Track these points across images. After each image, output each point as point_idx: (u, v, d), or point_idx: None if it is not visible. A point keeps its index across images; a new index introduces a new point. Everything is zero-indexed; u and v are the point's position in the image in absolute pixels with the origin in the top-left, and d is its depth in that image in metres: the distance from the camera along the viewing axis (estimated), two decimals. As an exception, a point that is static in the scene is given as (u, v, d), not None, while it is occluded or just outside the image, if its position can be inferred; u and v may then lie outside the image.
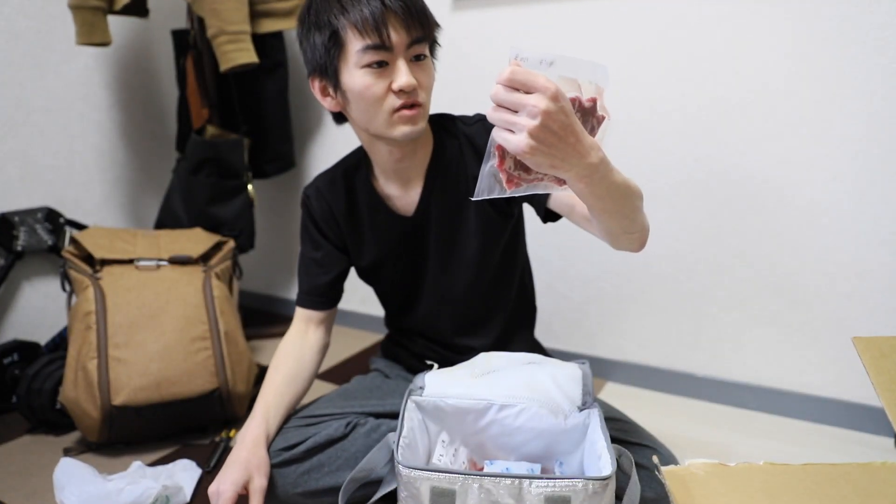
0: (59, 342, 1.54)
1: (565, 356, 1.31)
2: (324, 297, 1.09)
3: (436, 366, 0.98)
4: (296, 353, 1.07)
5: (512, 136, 0.60)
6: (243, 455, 0.90)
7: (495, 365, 0.95)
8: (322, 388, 1.55)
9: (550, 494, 0.70)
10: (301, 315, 1.10)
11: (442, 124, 1.03)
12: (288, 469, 0.94)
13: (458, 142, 1.01)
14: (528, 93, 0.58)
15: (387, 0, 0.84)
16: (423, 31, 0.87)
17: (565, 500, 0.70)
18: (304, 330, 1.10)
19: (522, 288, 1.14)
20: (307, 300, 1.10)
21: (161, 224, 1.75)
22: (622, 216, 0.76)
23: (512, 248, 1.08)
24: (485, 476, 0.72)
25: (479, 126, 1.01)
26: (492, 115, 0.61)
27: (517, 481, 0.71)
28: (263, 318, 2.09)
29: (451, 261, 1.04)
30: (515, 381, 0.89)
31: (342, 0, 0.85)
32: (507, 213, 1.03)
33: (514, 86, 0.59)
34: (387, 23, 0.83)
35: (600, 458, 0.77)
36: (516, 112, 0.59)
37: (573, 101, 0.64)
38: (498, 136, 0.61)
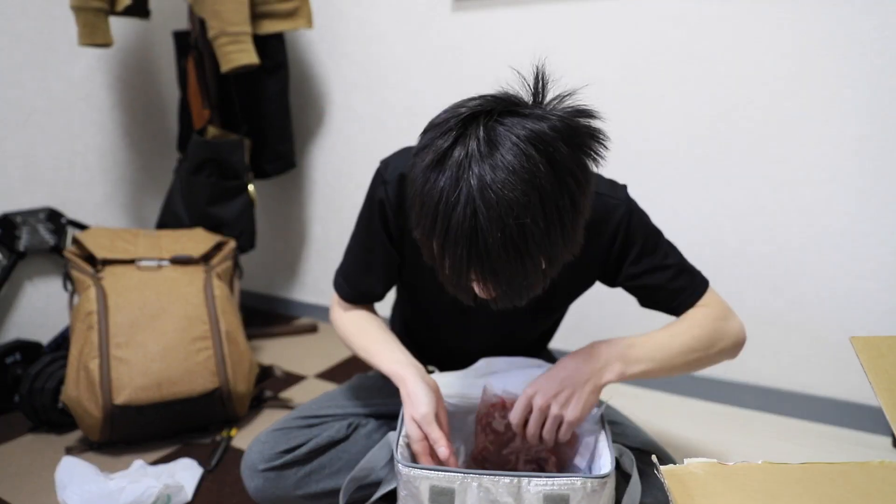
0: (61, 342, 1.55)
1: (565, 356, 1.31)
2: (376, 297, 1.00)
3: (435, 370, 0.98)
4: (365, 312, 0.99)
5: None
6: (422, 381, 0.82)
7: (496, 367, 0.95)
8: (322, 387, 1.55)
9: (549, 493, 0.70)
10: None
11: None
12: (289, 471, 0.94)
13: None
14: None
15: (480, 279, 0.67)
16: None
17: (564, 499, 0.70)
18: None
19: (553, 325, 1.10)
20: (358, 297, 0.99)
21: (162, 224, 1.76)
22: (687, 370, 0.87)
23: (560, 318, 1.06)
24: (484, 475, 0.72)
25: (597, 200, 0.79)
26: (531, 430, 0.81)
27: (516, 480, 0.71)
28: (264, 318, 2.09)
29: (496, 318, 0.92)
30: (516, 382, 0.90)
31: (445, 244, 0.65)
32: (561, 308, 1.01)
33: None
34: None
35: (600, 456, 0.77)
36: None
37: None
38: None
